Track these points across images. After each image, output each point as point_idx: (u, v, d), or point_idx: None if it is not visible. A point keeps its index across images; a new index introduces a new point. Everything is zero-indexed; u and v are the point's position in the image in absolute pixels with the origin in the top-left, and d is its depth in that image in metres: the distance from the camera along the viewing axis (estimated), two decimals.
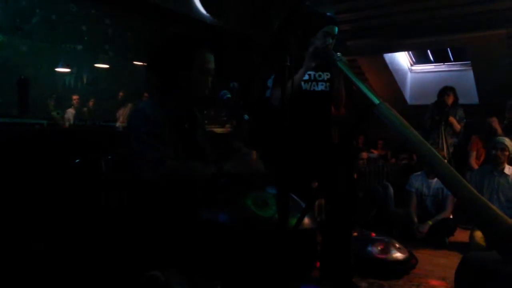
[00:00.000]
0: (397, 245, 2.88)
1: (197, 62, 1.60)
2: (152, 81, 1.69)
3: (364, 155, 4.42)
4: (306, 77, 2.35)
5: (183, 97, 1.64)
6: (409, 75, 7.40)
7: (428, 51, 7.17)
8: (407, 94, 7.34)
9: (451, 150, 4.49)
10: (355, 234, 3.02)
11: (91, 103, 4.53)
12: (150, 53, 1.69)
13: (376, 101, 1.28)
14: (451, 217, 3.72)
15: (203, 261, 1.43)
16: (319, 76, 2.38)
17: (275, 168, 1.50)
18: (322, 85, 2.37)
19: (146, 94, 4.17)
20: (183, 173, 1.51)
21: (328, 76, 2.39)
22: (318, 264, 2.46)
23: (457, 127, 4.52)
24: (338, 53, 2.09)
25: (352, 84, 1.44)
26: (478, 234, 3.24)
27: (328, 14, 2.43)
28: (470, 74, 6.37)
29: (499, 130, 4.28)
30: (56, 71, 4.09)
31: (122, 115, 4.45)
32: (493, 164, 3.58)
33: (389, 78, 6.82)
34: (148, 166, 1.47)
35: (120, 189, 1.66)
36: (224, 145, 1.84)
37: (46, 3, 3.64)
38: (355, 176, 4.35)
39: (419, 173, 3.97)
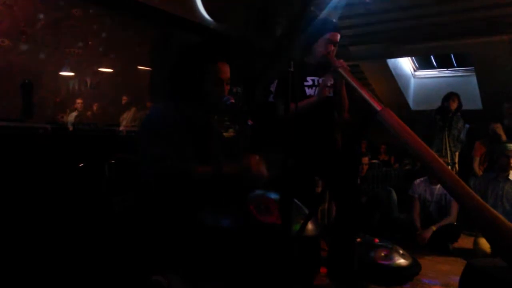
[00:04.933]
0: (401, 251, 2.86)
1: (213, 73, 1.64)
2: (169, 89, 1.71)
3: (365, 160, 4.39)
4: (310, 82, 2.35)
5: (199, 105, 1.67)
6: (412, 80, 7.41)
7: (432, 57, 7.18)
8: (410, 99, 7.34)
9: (454, 156, 4.48)
10: (359, 239, 3.00)
11: (95, 107, 4.54)
12: (167, 62, 1.71)
13: (378, 107, 1.28)
14: (455, 223, 3.70)
15: (206, 266, 1.43)
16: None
17: (279, 173, 1.50)
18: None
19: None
20: (181, 172, 1.51)
21: (332, 82, 2.39)
22: (322, 270, 2.45)
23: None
24: (341, 60, 2.10)
25: (354, 90, 1.44)
26: (483, 241, 3.22)
27: (331, 20, 2.43)
28: (473, 79, 6.37)
29: (503, 136, 4.26)
30: (60, 75, 4.11)
31: (125, 119, 4.46)
32: (498, 170, 3.56)
33: (392, 83, 6.83)
34: (148, 162, 1.49)
35: (123, 193, 1.67)
36: (228, 150, 1.84)
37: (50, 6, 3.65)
38: (358, 181, 4.33)
39: (422, 178, 3.95)
